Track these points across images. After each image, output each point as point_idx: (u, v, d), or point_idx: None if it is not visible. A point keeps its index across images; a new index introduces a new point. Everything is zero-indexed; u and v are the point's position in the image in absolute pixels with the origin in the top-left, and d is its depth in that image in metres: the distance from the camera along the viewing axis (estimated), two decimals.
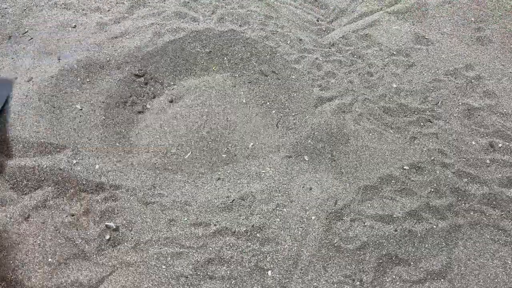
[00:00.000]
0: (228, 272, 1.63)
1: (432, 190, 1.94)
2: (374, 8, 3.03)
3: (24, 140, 1.90)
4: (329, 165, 2.04)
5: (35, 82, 2.15)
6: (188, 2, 2.84)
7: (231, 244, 1.70)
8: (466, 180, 1.99)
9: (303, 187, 1.93)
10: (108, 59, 2.38)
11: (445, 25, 2.87)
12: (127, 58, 2.42)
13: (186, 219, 1.78)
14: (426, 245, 1.76)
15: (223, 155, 2.12)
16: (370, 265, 1.68)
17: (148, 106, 2.35)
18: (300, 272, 1.65)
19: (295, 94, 2.41)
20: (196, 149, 2.13)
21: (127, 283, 1.56)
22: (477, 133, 2.19)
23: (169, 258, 1.64)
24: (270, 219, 1.80)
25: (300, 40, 2.68)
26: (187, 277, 1.60)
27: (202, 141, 2.17)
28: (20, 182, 1.79)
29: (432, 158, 2.06)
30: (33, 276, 1.55)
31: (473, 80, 2.46)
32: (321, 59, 2.55)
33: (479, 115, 2.27)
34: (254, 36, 2.64)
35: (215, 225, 1.76)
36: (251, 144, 2.18)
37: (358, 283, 1.64)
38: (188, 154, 2.11)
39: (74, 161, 1.88)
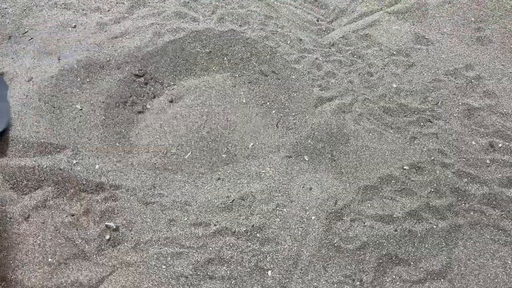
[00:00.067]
0: (228, 272, 1.63)
1: (432, 190, 1.94)
2: (374, 8, 3.03)
3: (24, 140, 1.90)
4: (329, 165, 2.04)
5: (35, 82, 2.15)
6: (188, 2, 2.84)
7: (231, 244, 1.70)
8: (466, 180, 1.99)
9: (303, 187, 1.93)
10: (108, 59, 2.38)
11: (445, 25, 2.87)
12: (127, 58, 2.42)
13: (186, 219, 1.78)
14: (426, 245, 1.76)
15: (223, 155, 2.12)
16: (370, 265, 1.68)
17: (148, 106, 2.35)
18: (300, 272, 1.65)
19: (295, 94, 2.41)
20: (196, 149, 2.14)
21: (127, 283, 1.56)
22: (477, 133, 2.19)
23: (169, 258, 1.65)
24: (270, 219, 1.80)
25: (300, 40, 2.68)
26: (187, 277, 1.60)
27: (202, 141, 2.17)
28: (20, 182, 1.79)
29: (432, 158, 2.06)
30: (33, 276, 1.55)
31: (473, 80, 2.46)
32: (321, 59, 2.55)
33: (479, 115, 2.27)
34: (254, 36, 2.64)
35: (215, 225, 1.76)
36: (251, 144, 2.18)
37: (358, 283, 1.64)
38: (188, 154, 2.11)
39: (74, 161, 1.88)
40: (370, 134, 2.16)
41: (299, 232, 1.76)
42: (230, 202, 1.85)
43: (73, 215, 1.73)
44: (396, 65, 2.56)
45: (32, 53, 2.33)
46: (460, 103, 2.33)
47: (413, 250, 1.74)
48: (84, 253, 1.63)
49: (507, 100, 2.35)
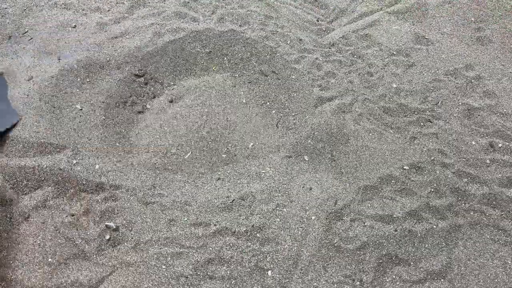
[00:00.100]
0: (228, 272, 1.63)
1: (432, 190, 1.94)
2: (374, 8, 3.03)
3: (24, 140, 1.90)
4: (329, 165, 2.04)
5: (35, 82, 2.15)
6: (188, 2, 2.84)
7: (231, 244, 1.70)
8: (466, 180, 1.99)
9: (303, 187, 1.93)
10: (108, 59, 2.38)
11: (445, 25, 2.87)
12: (127, 58, 2.42)
13: (186, 219, 1.78)
14: (426, 245, 1.76)
15: (223, 155, 2.12)
16: (370, 265, 1.68)
17: (148, 106, 2.35)
18: (300, 272, 1.65)
19: (295, 94, 2.41)
20: (196, 149, 2.14)
21: (127, 283, 1.56)
22: (477, 133, 2.19)
23: (169, 258, 1.64)
24: (270, 219, 1.80)
25: (300, 40, 2.68)
26: (187, 277, 1.60)
27: (202, 141, 2.17)
28: (20, 182, 1.79)
29: (432, 158, 2.06)
30: (33, 276, 1.55)
31: (473, 80, 2.46)
32: (321, 59, 2.55)
33: (479, 115, 2.27)
34: (254, 36, 2.64)
35: (215, 225, 1.76)
36: (251, 144, 2.18)
37: (358, 283, 1.64)
38: (188, 154, 2.11)
39: (74, 161, 1.88)
40: (370, 134, 2.16)
41: (299, 232, 1.76)
42: (230, 202, 1.85)
43: (73, 215, 1.73)
44: (396, 65, 2.56)
45: (32, 52, 2.34)
46: (460, 103, 2.33)
47: (413, 250, 1.74)
48: (84, 253, 1.63)
49: (507, 100, 2.35)
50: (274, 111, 2.37)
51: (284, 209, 1.84)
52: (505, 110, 2.29)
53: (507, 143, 2.14)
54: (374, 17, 2.91)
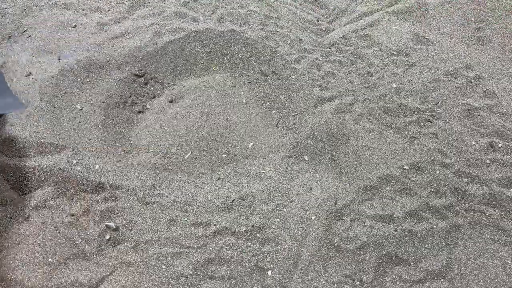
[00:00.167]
0: (228, 272, 1.63)
1: (432, 190, 1.94)
2: (374, 8, 3.03)
3: (24, 140, 1.90)
4: (329, 165, 2.04)
5: (35, 81, 2.15)
6: (188, 2, 2.84)
7: (231, 244, 1.70)
8: (466, 180, 1.99)
9: (303, 187, 1.93)
10: (108, 59, 2.38)
11: (445, 25, 2.87)
12: (127, 58, 2.42)
13: (186, 219, 1.78)
14: (426, 245, 1.76)
15: (223, 155, 2.12)
16: (370, 265, 1.68)
17: (148, 106, 2.35)
18: (300, 272, 1.65)
19: (295, 94, 2.41)
20: (196, 149, 2.14)
21: (127, 283, 1.56)
22: (477, 133, 2.19)
23: (169, 258, 1.64)
24: (270, 219, 1.80)
25: (300, 40, 2.68)
26: (187, 277, 1.60)
27: (202, 141, 2.17)
28: (20, 182, 1.79)
29: (432, 158, 2.06)
30: (33, 276, 1.55)
31: (473, 80, 2.46)
32: (321, 59, 2.55)
33: (479, 115, 2.27)
34: (254, 36, 2.64)
35: (215, 225, 1.76)
36: (251, 144, 2.18)
37: (358, 283, 1.64)
38: (188, 154, 2.11)
39: (74, 161, 1.88)
40: (370, 134, 2.16)
41: (299, 232, 1.76)
42: (230, 202, 1.85)
43: (73, 215, 1.73)
44: (396, 65, 2.56)
45: (31, 51, 2.33)
46: (460, 103, 2.33)
47: (413, 250, 1.74)
48: (84, 253, 1.63)
49: (507, 100, 2.35)
50: (274, 111, 2.37)
51: (284, 209, 1.84)
52: (505, 110, 2.29)
53: (507, 143, 2.14)
54: (374, 17, 2.91)
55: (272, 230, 1.76)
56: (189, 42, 2.58)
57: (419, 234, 1.78)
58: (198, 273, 1.61)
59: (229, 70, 2.57)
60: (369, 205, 1.87)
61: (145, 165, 2.01)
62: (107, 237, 1.68)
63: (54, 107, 2.10)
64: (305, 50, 2.61)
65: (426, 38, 2.74)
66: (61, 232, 1.67)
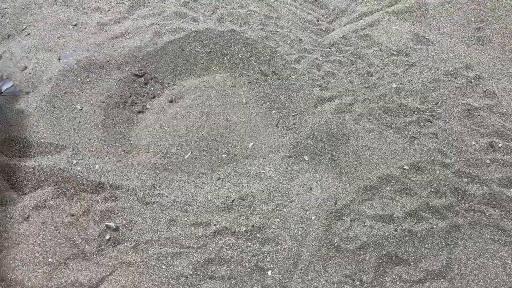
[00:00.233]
0: (228, 272, 1.63)
1: (432, 190, 1.94)
2: (374, 8, 3.03)
3: (24, 140, 1.90)
4: (329, 165, 2.04)
5: (35, 81, 2.15)
6: (188, 2, 2.84)
7: (231, 244, 1.70)
8: (466, 180, 1.99)
9: (303, 187, 1.93)
10: (108, 59, 2.38)
11: (445, 25, 2.87)
12: (127, 58, 2.42)
13: (186, 219, 1.78)
14: (426, 245, 1.76)
15: (223, 155, 2.12)
16: (370, 265, 1.68)
17: (148, 106, 2.35)
18: (300, 272, 1.65)
19: (295, 94, 2.41)
20: (196, 149, 2.13)
21: (127, 283, 1.56)
22: (477, 133, 2.19)
23: (169, 258, 1.64)
24: (270, 219, 1.80)
25: (300, 40, 2.68)
26: (187, 277, 1.60)
27: (202, 141, 2.17)
28: (20, 182, 1.79)
29: (432, 158, 2.06)
30: (33, 276, 1.55)
31: (473, 80, 2.46)
32: (321, 59, 2.55)
33: (479, 115, 2.27)
34: (254, 36, 2.64)
35: (215, 225, 1.76)
36: (251, 144, 2.18)
37: (358, 283, 1.64)
38: (188, 154, 2.11)
39: (74, 161, 1.88)
40: (370, 134, 2.16)
41: (299, 232, 1.76)
42: (230, 202, 1.85)
43: (73, 215, 1.73)
44: (396, 65, 2.56)
45: (28, 49, 2.33)
46: (460, 103, 2.33)
47: (413, 250, 1.74)
48: (84, 253, 1.63)
49: (507, 100, 2.35)
50: (274, 111, 2.37)
51: (284, 209, 1.84)
52: (505, 110, 2.29)
53: (507, 143, 2.14)
54: (374, 17, 2.91)
55: (272, 230, 1.76)
56: (189, 42, 2.58)
57: (419, 234, 1.78)
58: (198, 273, 1.61)
59: (229, 70, 2.57)
60: (369, 205, 1.87)
61: (145, 165, 2.01)
62: (107, 237, 1.68)
63: (54, 107, 2.10)
64: (305, 50, 2.61)
65: (426, 38, 2.74)
66: (61, 232, 1.67)
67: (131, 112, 2.29)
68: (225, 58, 2.60)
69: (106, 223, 1.72)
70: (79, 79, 2.26)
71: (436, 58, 2.61)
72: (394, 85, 2.42)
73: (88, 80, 2.28)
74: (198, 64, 2.57)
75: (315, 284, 1.62)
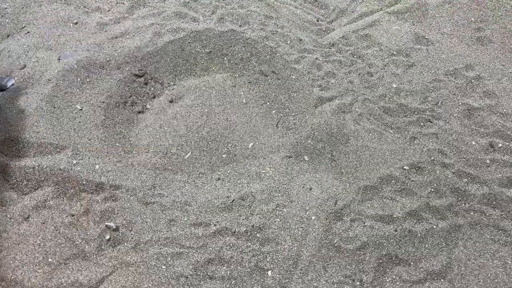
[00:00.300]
0: (228, 272, 1.63)
1: (432, 190, 1.94)
2: (374, 8, 3.03)
3: (24, 140, 1.90)
4: (329, 165, 2.04)
5: (34, 81, 2.15)
6: (188, 2, 2.84)
7: (231, 244, 1.70)
8: (466, 180, 1.99)
9: (303, 187, 1.93)
10: (108, 59, 2.38)
11: (445, 25, 2.87)
12: (127, 58, 2.42)
13: (186, 219, 1.78)
14: (426, 245, 1.76)
15: (223, 155, 2.12)
16: (370, 265, 1.68)
17: (148, 106, 2.35)
18: (300, 272, 1.65)
19: (295, 94, 2.41)
20: (196, 149, 2.13)
21: (127, 283, 1.56)
22: (477, 133, 2.19)
23: (169, 258, 1.64)
24: (270, 219, 1.80)
25: (300, 40, 2.68)
26: (187, 277, 1.60)
27: (202, 141, 2.17)
28: (20, 182, 1.79)
29: (432, 158, 2.06)
30: (33, 276, 1.55)
31: (473, 80, 2.46)
32: (321, 59, 2.55)
33: (479, 115, 2.27)
34: (254, 36, 2.64)
35: (215, 225, 1.76)
36: (251, 144, 2.18)
37: (358, 283, 1.64)
38: (188, 154, 2.11)
39: (74, 161, 1.88)
40: (370, 134, 2.16)
41: (299, 232, 1.76)
42: (230, 202, 1.85)
43: (73, 215, 1.73)
44: (396, 65, 2.56)
45: (27, 47, 2.33)
46: (460, 103, 2.33)
47: (413, 250, 1.74)
48: (84, 253, 1.63)
49: (507, 100, 2.35)
50: (274, 111, 2.37)
51: (284, 209, 1.84)
52: (505, 110, 2.29)
53: (507, 143, 2.14)
54: (374, 17, 2.91)
55: (272, 230, 1.76)
56: (189, 42, 2.58)
57: (419, 234, 1.78)
58: (198, 273, 1.61)
59: (229, 70, 2.57)
60: (369, 205, 1.87)
61: (145, 165, 2.01)
62: (107, 237, 1.68)
63: (54, 107, 2.10)
64: (305, 50, 2.61)
65: (426, 38, 2.74)
66: (61, 232, 1.67)
67: (131, 112, 2.29)
68: (225, 58, 2.60)
69: (106, 223, 1.72)
70: (79, 79, 2.26)
71: (436, 58, 2.61)
72: (394, 85, 2.42)
73: (88, 80, 2.28)
74: (198, 64, 2.57)
75: (315, 284, 1.62)
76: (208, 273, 1.62)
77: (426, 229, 1.80)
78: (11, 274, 1.55)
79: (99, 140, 2.05)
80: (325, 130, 2.15)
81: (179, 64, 2.53)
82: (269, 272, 1.64)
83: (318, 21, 2.93)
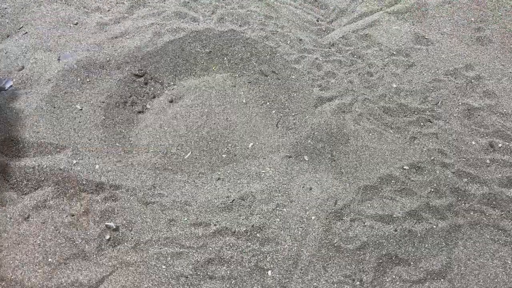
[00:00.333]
0: (228, 272, 1.63)
1: (432, 190, 1.94)
2: (374, 8, 3.03)
3: (24, 140, 1.90)
4: (329, 165, 2.04)
5: (33, 82, 2.15)
6: (188, 2, 2.84)
7: (231, 244, 1.70)
8: (466, 180, 1.99)
9: (303, 187, 1.93)
10: (108, 59, 2.38)
11: (445, 25, 2.87)
12: (127, 58, 2.42)
13: (186, 219, 1.78)
14: (426, 245, 1.76)
15: (223, 155, 2.12)
16: (370, 265, 1.68)
17: (148, 106, 2.35)
18: (300, 272, 1.65)
19: (295, 94, 2.41)
20: (196, 149, 2.13)
21: (127, 283, 1.56)
22: (477, 133, 2.19)
23: (169, 258, 1.64)
24: (270, 219, 1.80)
25: (300, 40, 2.68)
26: (187, 277, 1.60)
27: (202, 141, 2.17)
28: (20, 182, 1.79)
29: (432, 158, 2.06)
30: (33, 276, 1.55)
31: (473, 80, 2.46)
32: (321, 59, 2.55)
33: (479, 115, 2.27)
34: (254, 36, 2.64)
35: (215, 225, 1.76)
36: (251, 144, 2.18)
37: (358, 283, 1.64)
38: (188, 154, 2.11)
39: (74, 161, 1.88)
40: (370, 134, 2.16)
41: (299, 232, 1.76)
42: (230, 202, 1.85)
43: (73, 215, 1.73)
44: (396, 65, 2.56)
45: (25, 48, 2.33)
46: (460, 103, 2.33)
47: (413, 250, 1.74)
48: (84, 253, 1.63)
49: (507, 100, 2.35)
50: (274, 111, 2.37)
51: (284, 209, 1.84)
52: (505, 110, 2.29)
53: (507, 143, 2.14)
54: (374, 17, 2.91)
55: (272, 230, 1.76)
56: (189, 42, 2.58)
57: (419, 234, 1.78)
58: (198, 273, 1.61)
59: (229, 70, 2.57)
60: (369, 205, 1.87)
61: (145, 165, 2.01)
62: (107, 237, 1.68)
63: (54, 107, 2.10)
64: (305, 50, 2.61)
65: (426, 38, 2.74)
66: (61, 232, 1.67)
67: (131, 112, 2.29)
68: (225, 58, 2.60)
69: (106, 223, 1.72)
70: (79, 79, 2.26)
71: (436, 58, 2.61)
72: (394, 85, 2.42)
73: (88, 80, 2.28)
74: (198, 64, 2.57)
75: (315, 284, 1.62)
76: (208, 273, 1.62)
77: (426, 229, 1.80)
78: (11, 274, 1.55)
79: (99, 140, 2.05)
80: (325, 130, 2.15)
81: (179, 64, 2.53)
82: (269, 272, 1.64)
83: (318, 21, 2.93)
